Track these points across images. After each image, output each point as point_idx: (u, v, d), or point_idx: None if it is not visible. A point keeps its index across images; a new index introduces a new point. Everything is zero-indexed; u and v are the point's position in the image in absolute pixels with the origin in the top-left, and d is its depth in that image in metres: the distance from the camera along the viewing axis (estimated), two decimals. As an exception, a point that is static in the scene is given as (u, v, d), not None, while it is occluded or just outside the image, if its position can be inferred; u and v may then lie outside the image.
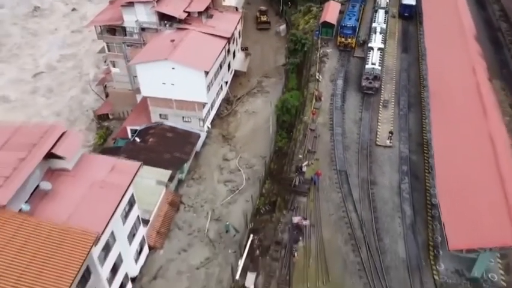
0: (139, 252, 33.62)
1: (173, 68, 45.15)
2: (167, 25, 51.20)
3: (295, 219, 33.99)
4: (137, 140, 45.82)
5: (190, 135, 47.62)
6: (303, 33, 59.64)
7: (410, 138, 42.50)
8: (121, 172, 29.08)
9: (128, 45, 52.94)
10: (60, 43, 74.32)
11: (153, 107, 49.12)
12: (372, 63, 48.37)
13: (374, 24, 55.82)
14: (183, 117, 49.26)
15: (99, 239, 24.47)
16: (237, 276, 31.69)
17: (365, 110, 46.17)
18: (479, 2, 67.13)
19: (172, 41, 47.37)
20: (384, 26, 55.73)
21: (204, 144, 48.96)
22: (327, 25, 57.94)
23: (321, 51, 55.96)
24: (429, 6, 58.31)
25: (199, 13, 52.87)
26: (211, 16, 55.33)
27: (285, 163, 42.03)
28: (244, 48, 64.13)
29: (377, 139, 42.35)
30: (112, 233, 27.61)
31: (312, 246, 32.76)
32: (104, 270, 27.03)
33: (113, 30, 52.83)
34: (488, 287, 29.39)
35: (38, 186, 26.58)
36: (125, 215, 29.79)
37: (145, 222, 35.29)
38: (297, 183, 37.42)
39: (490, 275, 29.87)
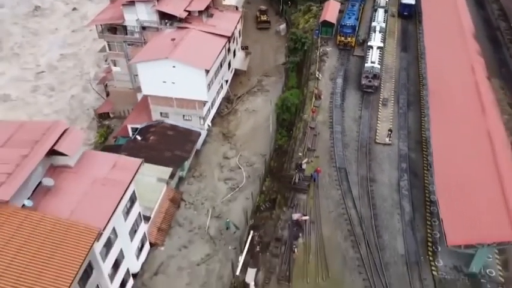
0: (140, 248, 33.90)
1: (174, 67, 45.43)
2: (167, 24, 51.46)
3: (295, 216, 34.26)
4: (138, 138, 46.10)
5: (190, 134, 47.89)
6: (303, 32, 59.91)
7: (409, 136, 42.82)
8: (123, 169, 29.34)
9: (129, 44, 53.23)
10: (61, 42, 74.56)
11: (154, 105, 49.40)
12: (372, 62, 48.66)
13: (373, 23, 56.13)
14: (184, 116, 49.55)
15: (101, 234, 24.76)
16: (238, 272, 31.93)
17: (365, 108, 46.46)
18: (478, 1, 67.50)
19: (173, 39, 47.65)
20: (383, 25, 56.01)
21: (205, 142, 49.23)
22: (327, 24, 58.25)
23: (321, 50, 56.27)
24: (429, 6, 58.57)
25: (200, 12, 53.13)
26: (211, 15, 55.60)
27: (285, 161, 42.30)
28: (244, 47, 64.40)
29: (377, 137, 42.63)
30: (114, 229, 27.89)
31: (312, 243, 33.04)
32: (106, 266, 27.30)
33: (114, 29, 53.09)
34: (486, 282, 29.68)
35: (40, 182, 26.84)
36: (127, 212, 30.07)
37: (146, 218, 35.55)
38: (296, 180, 37.69)
39: (488, 271, 30.16)
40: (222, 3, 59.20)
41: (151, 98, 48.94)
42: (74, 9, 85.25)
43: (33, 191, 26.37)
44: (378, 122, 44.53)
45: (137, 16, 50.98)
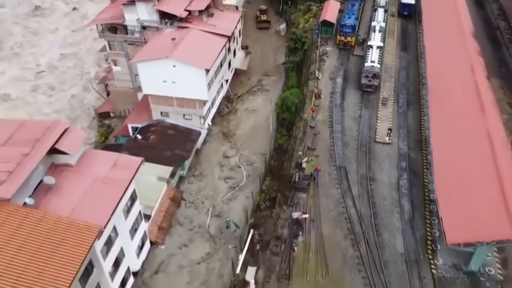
0: (141, 247, 34.00)
1: (174, 66, 45.54)
2: (168, 23, 51.58)
3: (295, 215, 34.38)
4: (139, 137, 46.21)
5: (191, 133, 48.00)
6: (303, 32, 60.03)
7: (409, 135, 42.96)
8: (123, 167, 29.45)
9: (129, 44, 53.33)
10: (61, 42, 74.67)
11: (154, 104, 49.51)
12: (372, 61, 48.79)
13: (373, 23, 56.26)
14: (184, 115, 49.66)
15: (102, 232, 24.86)
16: (238, 271, 32.05)
17: (364, 108, 46.59)
18: (478, 1, 67.65)
19: (173, 39, 47.75)
20: (383, 24, 56.14)
21: (205, 141, 49.35)
22: (326, 24, 58.40)
23: (321, 50, 56.41)
24: (429, 5, 58.73)
25: (200, 12, 53.26)
26: (211, 15, 55.72)
27: (285, 160, 42.41)
28: (244, 47, 64.51)
29: (376, 136, 42.77)
30: (114, 227, 28.00)
31: (312, 241, 33.17)
32: (107, 264, 27.40)
33: (115, 28, 53.19)
34: (485, 280, 29.81)
35: (41, 181, 26.97)
36: (127, 210, 30.16)
37: (147, 217, 35.68)
38: (296, 179, 37.82)
39: (487, 269, 30.30)
40: (222, 2, 59.33)
41: (152, 98, 49.06)
42: (75, 8, 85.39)
43: (35, 189, 26.48)
44: (378, 121, 44.66)
45: (137, 16, 51.09)
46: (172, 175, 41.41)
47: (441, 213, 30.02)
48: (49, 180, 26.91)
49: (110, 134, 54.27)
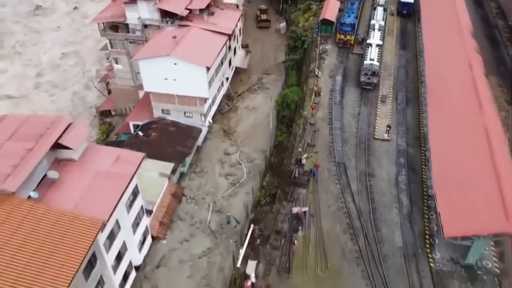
0: (143, 241, 34.42)
1: (175, 64, 45.94)
2: (169, 22, 52.00)
3: (295, 210, 34.81)
4: (140, 133, 46.64)
5: (192, 130, 48.41)
6: (303, 31, 60.56)
7: (408, 132, 43.41)
8: (126, 162, 29.86)
9: (130, 42, 53.77)
10: (63, 41, 75.08)
11: (155, 102, 49.92)
12: (371, 59, 49.22)
13: (372, 22, 56.66)
14: (185, 113, 50.07)
15: (105, 225, 25.29)
16: (238, 264, 32.52)
17: (364, 105, 47.03)
18: (476, -1, 68.08)
19: (174, 37, 48.12)
20: (382, 23, 56.56)
21: (206, 139, 49.77)
22: (326, 22, 58.79)
23: (321, 48, 56.83)
24: (428, 4, 59.08)
25: (201, 10, 53.65)
26: (212, 13, 56.13)
27: (285, 156, 42.86)
28: (244, 46, 64.92)
29: (375, 133, 43.20)
30: (117, 221, 28.46)
31: (312, 236, 33.61)
32: (110, 258, 27.86)
33: (116, 27, 53.59)
34: (482, 273, 30.25)
35: (45, 175, 27.40)
36: (130, 204, 30.56)
37: (149, 212, 36.09)
38: (296, 175, 38.26)
39: (484, 263, 30.76)
40: (223, 1, 59.70)
41: (153, 95, 49.48)
42: (75, 8, 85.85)
43: (39, 183, 26.93)
44: (377, 118, 45.10)
45: (139, 14, 51.54)
46: (173, 171, 41.81)
47: (439, 207, 30.44)
48: (53, 174, 27.36)
49: (111, 131, 54.66)
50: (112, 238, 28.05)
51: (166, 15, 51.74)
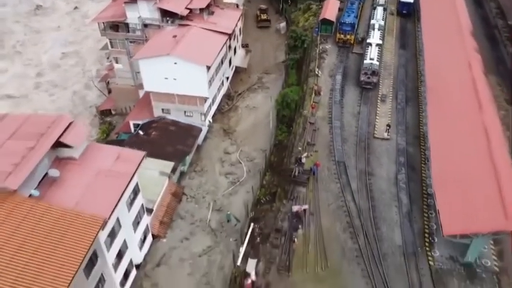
0: (143, 240, 34.54)
1: (175, 63, 46.07)
2: (169, 21, 52.14)
3: (295, 208, 34.92)
4: (141, 132, 46.76)
5: (192, 129, 48.54)
6: (303, 30, 60.64)
7: (407, 131, 43.52)
8: (126, 161, 29.98)
9: (131, 42, 53.93)
10: (63, 41, 75.21)
11: (156, 101, 50.04)
12: (371, 59, 49.32)
13: (372, 21, 56.75)
14: (185, 112, 50.20)
15: (106, 223, 25.42)
16: (238, 263, 32.63)
17: (363, 104, 47.14)
18: (476, -1, 68.19)
19: (174, 36, 48.25)
20: (382, 23, 56.67)
21: (206, 138, 49.89)
22: (326, 22, 58.89)
23: (321, 48, 56.92)
24: (427, 4, 59.20)
25: (201, 10, 53.78)
26: (212, 13, 56.25)
27: (285, 155, 42.97)
28: (244, 45, 65.05)
29: (375, 132, 43.30)
30: (118, 219, 28.58)
31: (312, 234, 33.69)
32: (110, 255, 27.98)
33: (116, 26, 53.73)
34: (481, 272, 30.34)
35: (46, 173, 27.51)
36: (130, 203, 30.68)
37: (149, 211, 36.20)
38: (296, 173, 38.36)
39: (483, 261, 30.85)
40: (223, 1, 59.88)
41: (153, 95, 49.60)
42: (76, 8, 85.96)
43: (40, 181, 27.05)
44: (377, 117, 45.21)
45: (139, 14, 51.70)
46: (174, 170, 41.93)
47: (439, 206, 30.54)
48: (54, 173, 27.48)
49: (111, 131, 54.80)
50: (113, 236, 28.17)
51: (166, 14, 51.87)
